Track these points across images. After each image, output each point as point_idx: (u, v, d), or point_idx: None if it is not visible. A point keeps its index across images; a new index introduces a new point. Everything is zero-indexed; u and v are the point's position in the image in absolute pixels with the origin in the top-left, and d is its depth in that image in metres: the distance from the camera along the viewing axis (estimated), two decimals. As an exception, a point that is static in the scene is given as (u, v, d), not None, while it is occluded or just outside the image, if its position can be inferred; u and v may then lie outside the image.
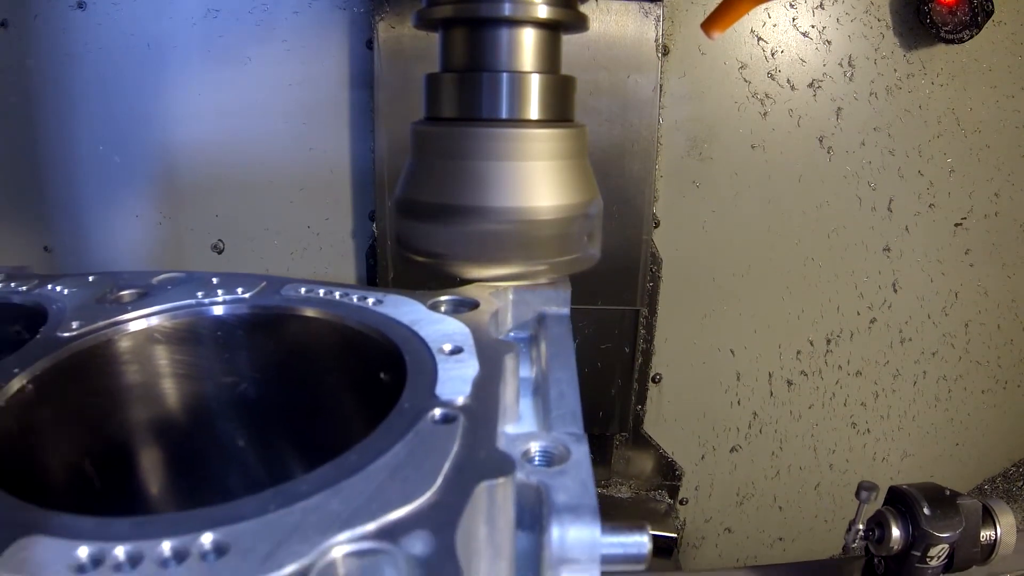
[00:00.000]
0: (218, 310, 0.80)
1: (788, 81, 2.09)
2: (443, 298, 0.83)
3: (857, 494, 1.44)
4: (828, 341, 2.30)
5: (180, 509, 0.46)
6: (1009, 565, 1.58)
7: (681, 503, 2.42)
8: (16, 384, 0.62)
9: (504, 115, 0.99)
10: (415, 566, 0.41)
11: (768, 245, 2.21)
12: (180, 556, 0.41)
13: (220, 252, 2.13)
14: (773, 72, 2.08)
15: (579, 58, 1.96)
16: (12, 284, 0.84)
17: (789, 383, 2.33)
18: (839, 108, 2.12)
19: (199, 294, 0.81)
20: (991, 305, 2.32)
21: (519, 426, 0.65)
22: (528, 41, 0.99)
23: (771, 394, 2.34)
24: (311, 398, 0.82)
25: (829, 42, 2.08)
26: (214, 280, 0.84)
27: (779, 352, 2.31)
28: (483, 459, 0.51)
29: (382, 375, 0.63)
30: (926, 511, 1.35)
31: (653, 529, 2.13)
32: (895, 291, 2.27)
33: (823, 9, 2.06)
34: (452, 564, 0.41)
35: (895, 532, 1.37)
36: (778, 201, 2.17)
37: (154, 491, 0.80)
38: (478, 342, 0.69)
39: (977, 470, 2.46)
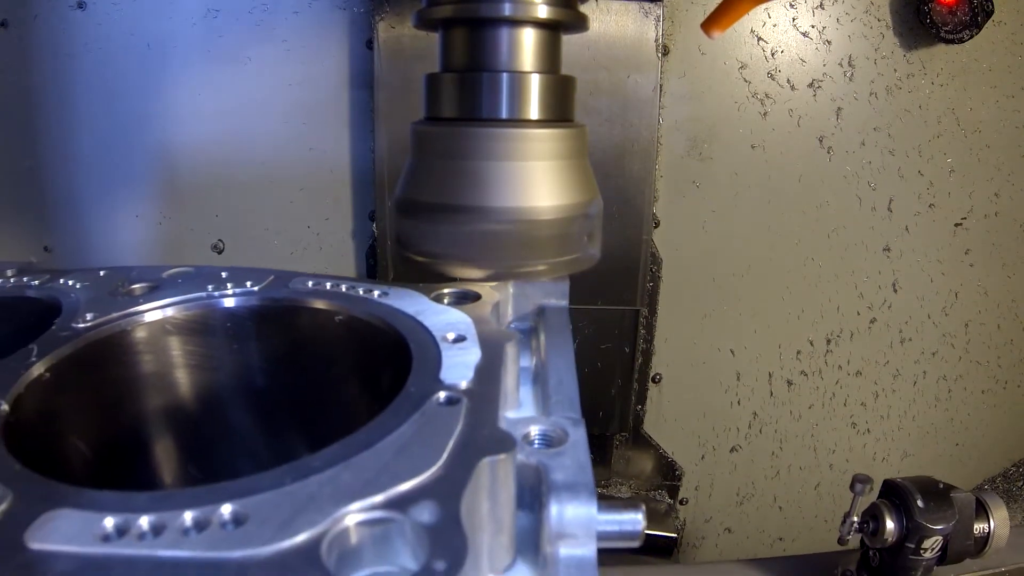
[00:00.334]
0: (229, 302, 0.82)
1: (788, 81, 2.09)
2: (446, 290, 0.84)
3: (852, 487, 1.46)
4: (828, 341, 2.30)
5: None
6: (1003, 559, 1.58)
7: (681, 503, 2.42)
8: (35, 372, 0.64)
9: (504, 115, 0.98)
10: (422, 534, 0.43)
11: (768, 245, 2.20)
12: (200, 526, 0.43)
13: (220, 252, 2.13)
14: (773, 72, 2.08)
15: (579, 58, 1.96)
16: (24, 279, 0.86)
17: (789, 383, 2.32)
18: (839, 108, 2.12)
19: (209, 287, 0.83)
20: (991, 305, 2.32)
21: (519, 412, 0.67)
22: (528, 41, 0.99)
23: (771, 394, 2.34)
24: (319, 386, 0.84)
25: (829, 42, 2.08)
26: (223, 274, 0.87)
27: (779, 352, 2.31)
28: (485, 437, 0.53)
29: (403, 362, 0.63)
30: (920, 504, 1.36)
31: (653, 529, 2.13)
32: (895, 291, 2.26)
33: (823, 9, 2.06)
34: (457, 532, 0.43)
35: (889, 524, 1.38)
36: (778, 201, 2.17)
37: (166, 477, 0.83)
38: (480, 331, 0.71)
39: (977, 470, 2.46)
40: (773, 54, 2.06)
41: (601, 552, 0.51)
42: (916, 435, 2.41)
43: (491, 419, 0.55)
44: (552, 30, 1.02)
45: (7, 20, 2.09)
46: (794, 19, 2.05)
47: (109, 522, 0.43)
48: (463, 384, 0.60)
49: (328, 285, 0.84)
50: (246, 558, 0.40)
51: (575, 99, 1.07)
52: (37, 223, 2.20)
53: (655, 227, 2.14)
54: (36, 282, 0.84)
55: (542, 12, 0.96)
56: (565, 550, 0.51)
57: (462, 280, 0.94)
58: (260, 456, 0.77)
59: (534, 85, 0.99)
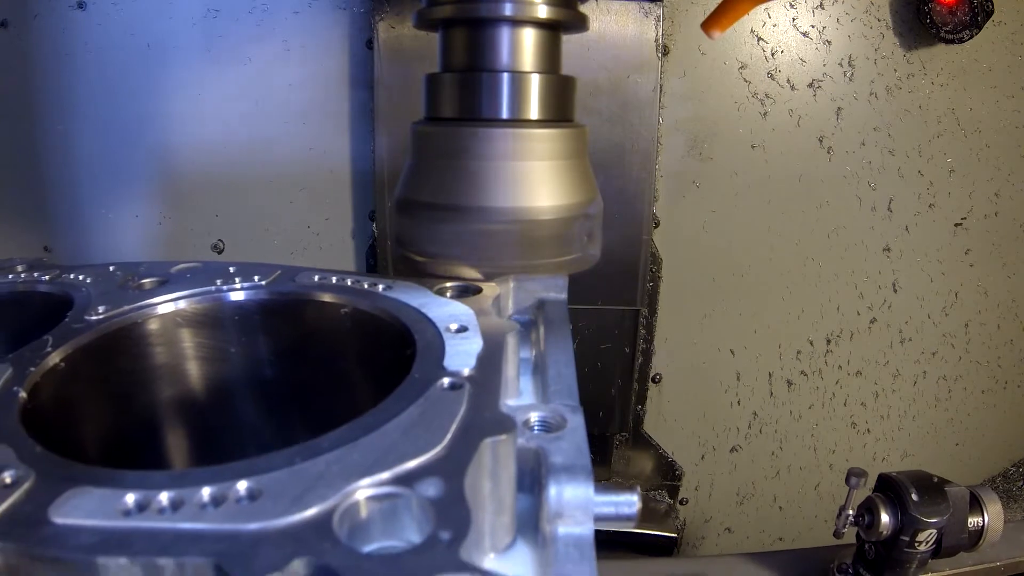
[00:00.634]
0: (237, 296, 0.85)
1: (788, 81, 2.10)
2: (448, 284, 0.87)
3: (847, 480, 1.49)
4: (828, 341, 2.32)
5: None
6: (999, 554, 1.60)
7: (681, 503, 2.44)
8: (50, 362, 0.67)
9: (504, 115, 0.99)
10: (428, 508, 0.46)
11: (768, 245, 2.22)
12: (217, 501, 0.46)
13: (220, 252, 2.15)
14: (773, 72, 2.10)
15: (579, 58, 1.97)
16: (35, 274, 0.89)
17: (789, 383, 2.35)
18: (839, 108, 2.13)
19: (218, 281, 0.86)
20: (991, 305, 2.34)
21: (520, 400, 0.70)
22: (528, 41, 0.99)
23: (771, 394, 2.36)
24: (325, 376, 0.87)
25: (829, 42, 2.09)
26: (231, 269, 0.89)
27: (779, 352, 2.33)
28: (487, 420, 0.56)
29: (407, 352, 0.66)
30: (914, 497, 1.39)
31: (653, 529, 2.15)
32: (895, 291, 2.29)
33: (823, 9, 2.07)
34: (461, 506, 0.45)
35: (884, 518, 1.41)
36: (778, 201, 2.19)
37: (176, 464, 0.86)
38: (482, 322, 0.74)
39: (977, 470, 2.48)
40: (773, 54, 2.08)
41: (601, 546, 0.54)
42: (916, 435, 2.43)
43: (492, 403, 0.58)
44: (552, 30, 1.02)
45: (7, 20, 2.10)
46: (794, 19, 2.07)
47: (130, 498, 0.46)
48: (466, 371, 0.63)
49: (334, 279, 0.87)
50: (261, 530, 0.43)
51: (575, 99, 1.08)
52: (37, 223, 2.22)
53: (655, 227, 2.16)
54: (47, 277, 0.86)
55: (542, 12, 0.97)
56: (564, 529, 0.53)
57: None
58: (268, 445, 0.79)
59: (534, 85, 1.00)
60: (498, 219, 0.95)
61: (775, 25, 2.07)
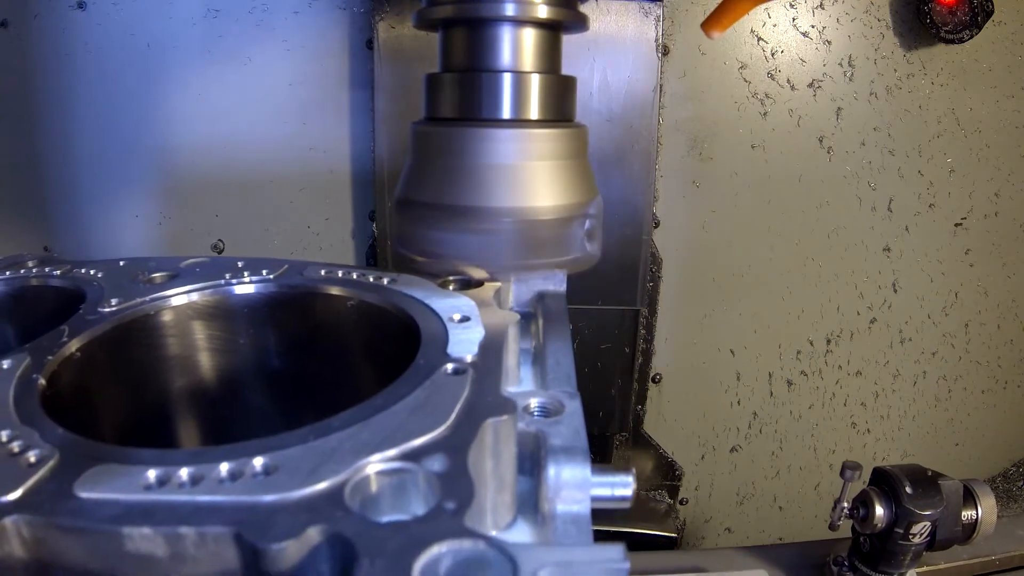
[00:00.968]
0: (247, 289, 0.88)
1: (788, 81, 2.13)
2: (451, 277, 0.91)
3: (842, 473, 1.52)
4: (828, 341, 2.35)
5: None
6: (994, 548, 1.63)
7: (681, 503, 2.46)
8: (67, 351, 0.70)
9: (504, 115, 1.00)
10: (434, 481, 0.49)
11: (768, 245, 2.25)
12: (235, 476, 0.49)
13: (220, 252, 2.17)
14: (773, 72, 2.12)
15: (579, 58, 1.99)
16: (46, 269, 0.92)
17: (789, 383, 2.37)
18: (839, 108, 2.16)
19: (227, 275, 0.89)
20: (991, 305, 2.37)
21: (520, 387, 0.73)
22: (528, 41, 1.00)
23: (771, 394, 2.38)
24: (333, 367, 0.90)
25: (829, 42, 2.12)
26: (239, 264, 0.93)
27: (779, 352, 2.35)
28: (489, 403, 0.59)
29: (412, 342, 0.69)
30: (908, 490, 1.42)
31: (653, 529, 2.17)
32: (895, 291, 2.31)
33: (823, 9, 2.10)
34: (465, 479, 0.49)
35: (879, 510, 1.44)
36: (778, 201, 2.21)
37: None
38: (484, 313, 0.78)
39: (977, 470, 2.50)
40: (773, 54, 2.10)
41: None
42: (916, 435, 2.46)
43: (494, 387, 0.61)
44: (552, 30, 1.03)
45: (7, 20, 2.12)
46: (794, 19, 2.09)
47: (151, 474, 0.49)
48: (468, 358, 0.66)
49: (340, 273, 0.90)
50: (277, 501, 0.46)
51: (575, 99, 1.09)
52: (37, 223, 2.24)
53: (655, 227, 2.18)
54: (58, 272, 0.89)
55: (542, 12, 0.97)
56: (562, 507, 0.56)
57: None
58: (277, 432, 0.83)
59: (534, 85, 1.00)
60: (498, 219, 0.95)
61: (775, 25, 2.09)
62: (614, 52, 2.01)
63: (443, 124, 1.03)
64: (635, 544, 2.16)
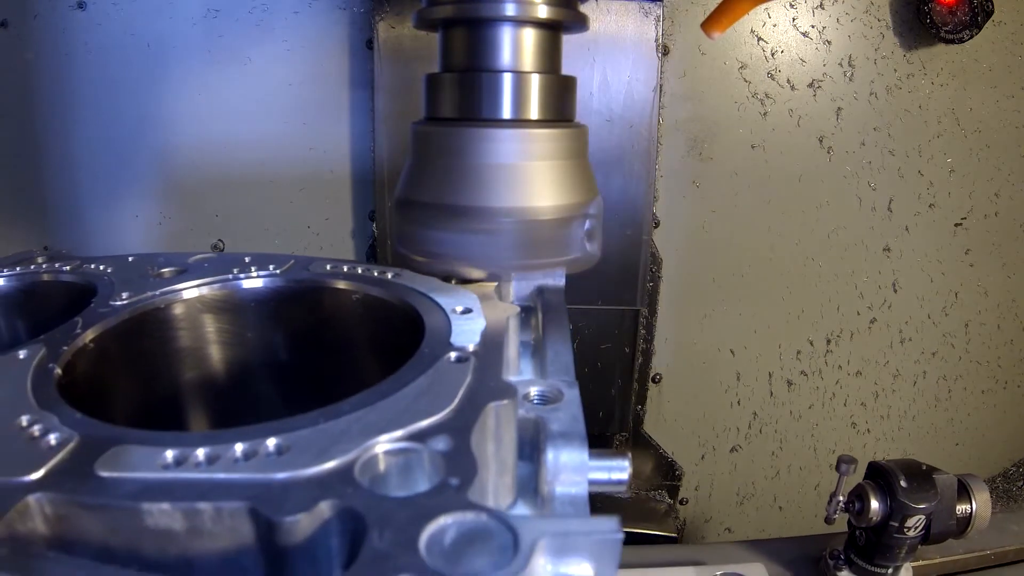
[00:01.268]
0: (255, 283, 0.91)
1: (788, 81, 2.15)
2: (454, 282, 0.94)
3: (837, 467, 1.56)
4: (828, 341, 2.37)
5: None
6: (989, 542, 1.66)
7: (681, 503, 2.49)
8: (81, 341, 0.73)
9: (504, 115, 1.00)
10: (439, 460, 0.52)
11: (768, 245, 2.27)
12: (248, 455, 0.52)
13: (220, 252, 2.17)
14: (773, 72, 2.14)
15: (579, 58, 2.02)
16: (56, 264, 0.94)
17: (789, 383, 2.40)
18: (839, 108, 2.18)
19: (235, 270, 0.92)
20: (991, 305, 2.39)
21: (520, 378, 0.75)
22: (528, 41, 1.01)
23: (771, 394, 2.41)
24: (339, 358, 0.93)
25: (829, 42, 2.14)
26: (246, 259, 0.96)
27: (779, 352, 2.38)
28: (491, 388, 0.62)
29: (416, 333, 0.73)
30: (903, 484, 1.45)
31: (653, 529, 2.19)
32: (895, 291, 2.34)
33: (823, 9, 2.12)
34: (468, 458, 0.52)
35: (874, 504, 1.47)
36: (778, 201, 2.24)
37: None
38: (485, 305, 0.81)
39: (977, 470, 2.48)
40: (773, 54, 2.13)
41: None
42: (916, 435, 2.48)
43: (496, 374, 0.64)
44: (552, 30, 1.03)
45: (7, 20, 2.13)
46: (794, 19, 2.11)
47: (169, 454, 0.52)
48: (471, 347, 0.70)
49: (345, 268, 0.93)
50: (290, 478, 0.49)
51: (575, 99, 1.09)
52: (37, 223, 2.25)
53: (655, 227, 2.20)
54: (67, 267, 0.92)
55: (542, 12, 0.97)
56: (561, 489, 0.60)
57: (462, 281, 0.97)
58: (287, 420, 0.86)
59: (534, 85, 1.00)
60: (498, 219, 0.95)
61: (775, 25, 2.11)
62: (614, 52, 2.03)
63: (443, 124, 1.03)
64: (635, 544, 2.18)
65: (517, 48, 1.00)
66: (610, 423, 2.30)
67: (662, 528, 2.26)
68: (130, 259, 0.94)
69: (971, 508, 1.50)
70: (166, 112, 2.14)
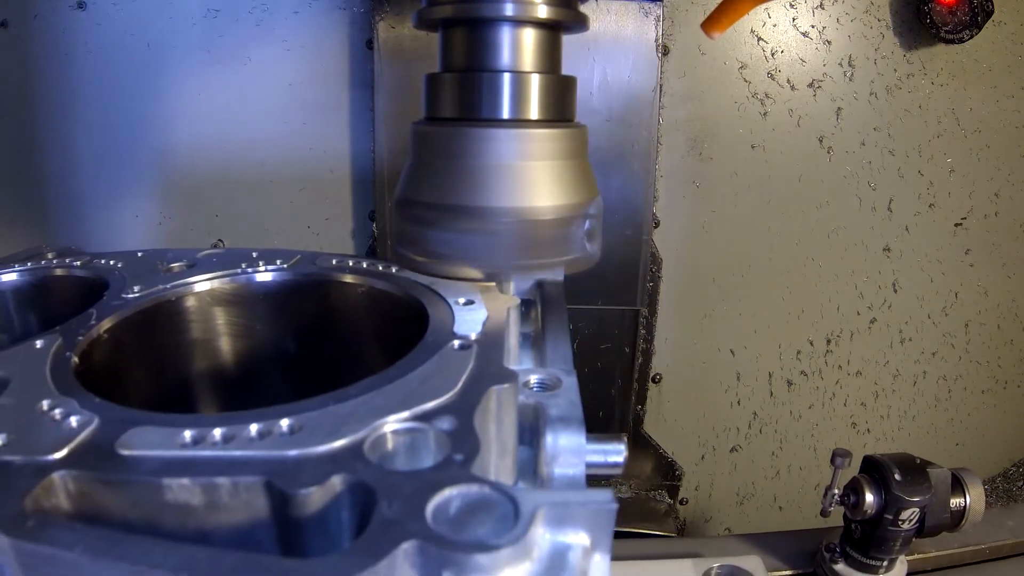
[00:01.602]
0: (264, 277, 0.95)
1: (788, 81, 2.18)
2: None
3: (832, 460, 1.59)
4: (828, 341, 2.40)
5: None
6: (984, 536, 1.69)
7: (681, 503, 2.51)
8: (95, 332, 0.76)
9: (504, 115, 1.02)
10: (443, 438, 0.55)
11: (768, 245, 2.30)
12: (263, 435, 0.55)
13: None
14: (773, 72, 2.17)
15: (579, 58, 2.04)
16: (67, 260, 0.97)
17: (789, 383, 2.42)
18: (839, 108, 2.21)
19: (243, 265, 0.96)
20: (991, 305, 2.42)
21: (520, 367, 0.77)
22: (528, 41, 1.02)
23: (771, 394, 2.43)
24: (345, 349, 0.97)
25: (829, 42, 2.17)
26: (254, 254, 0.99)
27: (779, 352, 2.40)
28: (493, 373, 0.66)
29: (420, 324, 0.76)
30: (897, 477, 1.48)
31: (653, 529, 2.21)
32: (895, 291, 2.37)
33: (823, 9, 2.15)
34: (471, 436, 0.55)
35: (869, 497, 1.50)
36: (778, 201, 2.26)
37: None
38: (486, 297, 0.85)
39: (977, 470, 2.48)
40: (773, 54, 2.15)
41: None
42: (916, 435, 2.51)
43: (497, 361, 0.68)
44: (552, 30, 1.04)
45: (7, 20, 2.15)
46: (794, 19, 2.14)
47: (187, 434, 0.55)
48: (473, 336, 0.73)
49: (350, 263, 0.97)
50: (303, 455, 0.52)
51: (575, 99, 1.11)
52: (37, 223, 2.28)
53: (655, 227, 2.23)
54: (78, 263, 0.95)
55: (542, 12, 0.99)
56: (559, 470, 0.63)
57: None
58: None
59: (534, 85, 1.02)
60: (498, 219, 0.97)
61: (775, 25, 2.14)
62: (614, 52, 2.06)
63: (443, 124, 1.05)
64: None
65: (517, 48, 1.01)
66: (610, 423, 2.33)
67: (662, 528, 2.29)
68: (139, 255, 0.98)
69: (965, 502, 1.53)
70: (166, 112, 2.16)
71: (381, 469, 0.51)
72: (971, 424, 2.53)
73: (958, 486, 1.55)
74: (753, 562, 1.57)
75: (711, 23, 1.19)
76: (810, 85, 2.18)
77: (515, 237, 0.97)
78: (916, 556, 1.66)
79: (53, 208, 2.27)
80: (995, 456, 2.59)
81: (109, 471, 0.52)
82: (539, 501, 0.46)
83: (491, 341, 0.72)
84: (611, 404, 2.32)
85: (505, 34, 1.01)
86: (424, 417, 0.57)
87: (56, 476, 0.51)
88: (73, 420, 0.57)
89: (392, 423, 0.56)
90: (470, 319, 0.77)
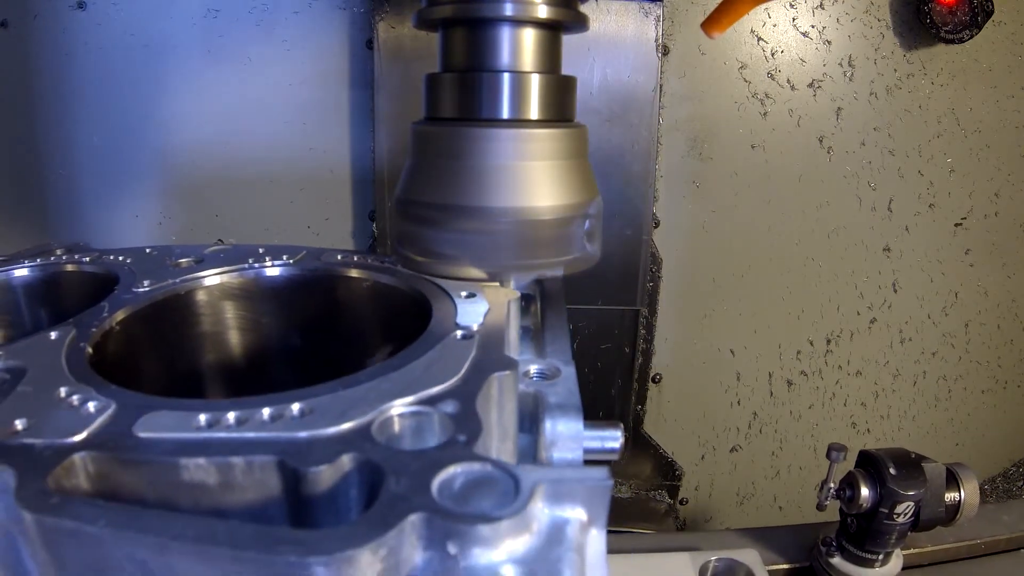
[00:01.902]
0: (272, 272, 0.98)
1: (788, 81, 2.21)
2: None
3: (828, 454, 1.62)
4: (828, 341, 2.43)
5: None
6: (980, 532, 1.72)
7: (681, 503, 2.54)
8: (108, 324, 0.79)
9: (504, 115, 1.02)
10: (447, 421, 0.58)
11: (768, 245, 2.33)
12: (275, 418, 0.58)
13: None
14: (773, 72, 2.20)
15: (579, 58, 2.07)
16: (76, 256, 0.99)
17: (789, 383, 2.45)
18: (839, 108, 2.24)
19: (250, 260, 0.99)
20: (991, 305, 2.45)
21: (520, 359, 0.81)
22: (528, 41, 1.02)
23: (771, 394, 2.46)
24: (350, 342, 1.00)
25: (829, 42, 2.19)
26: (260, 250, 1.03)
27: (779, 352, 2.43)
28: (494, 361, 0.68)
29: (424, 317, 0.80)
30: (892, 471, 1.52)
31: (653, 529, 2.24)
32: (895, 291, 2.40)
33: (823, 9, 2.17)
34: (474, 418, 0.58)
35: (864, 491, 1.54)
36: (778, 201, 2.29)
37: None
38: (487, 291, 0.89)
39: (977, 470, 2.52)
40: (773, 54, 2.18)
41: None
42: (916, 435, 2.54)
43: (498, 350, 0.71)
44: (552, 30, 1.05)
45: (7, 20, 2.17)
46: (794, 19, 2.17)
47: (202, 417, 0.58)
48: (475, 326, 0.76)
49: (355, 258, 1.00)
50: (313, 436, 0.56)
51: (575, 99, 1.11)
52: (37, 223, 2.30)
53: (655, 227, 2.26)
54: (87, 259, 0.99)
55: (542, 12, 0.99)
56: (558, 454, 0.67)
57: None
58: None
59: (534, 85, 1.02)
60: (498, 219, 0.97)
61: (775, 25, 2.17)
62: (614, 52, 2.09)
63: (443, 124, 1.05)
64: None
65: (517, 48, 1.02)
66: (610, 423, 2.34)
67: (662, 528, 2.32)
68: (147, 250, 1.01)
69: (960, 496, 1.56)
70: (166, 112, 2.19)
71: (388, 449, 0.54)
72: (971, 424, 2.56)
73: (953, 481, 1.58)
74: (750, 555, 1.60)
75: (711, 23, 1.20)
76: (810, 85, 2.21)
77: (515, 237, 0.98)
78: (912, 551, 1.69)
79: (53, 208, 2.29)
80: (995, 456, 2.62)
81: (128, 452, 0.55)
82: (538, 478, 0.50)
83: (492, 332, 0.75)
84: (611, 404, 2.35)
85: (505, 34, 1.01)
86: (429, 401, 0.61)
87: (77, 457, 0.54)
88: (91, 406, 0.60)
89: (398, 406, 0.59)
90: (472, 311, 0.81)
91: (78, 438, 0.56)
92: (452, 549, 0.47)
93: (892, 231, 2.34)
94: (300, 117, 2.19)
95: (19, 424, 0.57)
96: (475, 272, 0.97)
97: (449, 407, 0.59)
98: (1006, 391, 2.55)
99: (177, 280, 0.90)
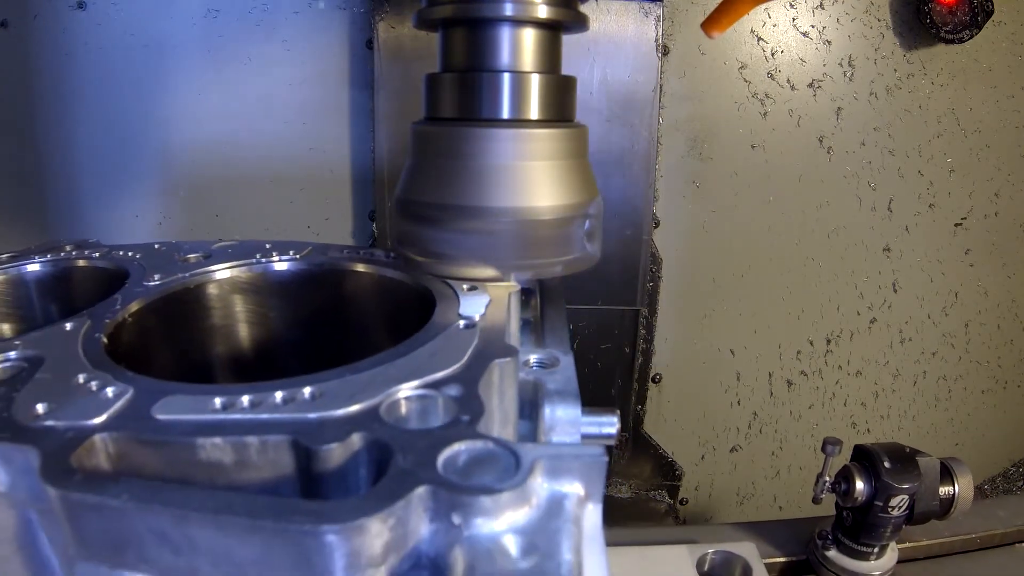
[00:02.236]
0: (279, 266, 1.02)
1: (788, 81, 2.24)
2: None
3: (823, 448, 1.66)
4: (828, 341, 2.46)
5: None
6: (975, 526, 1.76)
7: (681, 503, 2.57)
8: (121, 316, 0.83)
9: (504, 115, 1.03)
10: (451, 403, 0.62)
11: (768, 245, 2.36)
12: (287, 401, 0.62)
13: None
14: (773, 72, 2.23)
15: (579, 58, 2.10)
16: (85, 252, 1.03)
17: (789, 383, 2.49)
18: (839, 108, 2.27)
19: (257, 255, 1.03)
20: (991, 305, 2.48)
21: (520, 349, 0.84)
22: (528, 41, 1.03)
23: (771, 394, 2.50)
24: (356, 335, 1.04)
25: (829, 42, 2.23)
26: (267, 246, 1.06)
27: (779, 352, 2.47)
28: (495, 348, 0.72)
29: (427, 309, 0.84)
30: (887, 465, 1.56)
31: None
32: (895, 291, 2.43)
33: (823, 9, 2.21)
34: (477, 400, 0.62)
35: (859, 485, 1.58)
36: (778, 201, 2.33)
37: None
38: (489, 285, 0.92)
39: (977, 470, 2.56)
40: (773, 54, 2.21)
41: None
42: (916, 435, 2.57)
43: (499, 338, 0.75)
44: (552, 30, 1.05)
45: (7, 20, 2.20)
46: (794, 19, 2.20)
47: (217, 400, 0.62)
48: (477, 317, 0.80)
49: (360, 253, 1.04)
50: (324, 417, 0.59)
51: (575, 99, 1.12)
52: (37, 223, 2.33)
53: (655, 227, 2.29)
54: (97, 254, 1.02)
55: (542, 12, 1.00)
56: (557, 439, 0.71)
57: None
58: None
59: (534, 85, 1.03)
60: (498, 219, 0.98)
61: (775, 25, 2.20)
62: (614, 52, 2.12)
63: (443, 124, 1.06)
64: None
65: (517, 48, 1.03)
66: (610, 423, 2.36)
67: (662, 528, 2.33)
68: (156, 246, 1.05)
69: (954, 490, 1.60)
70: (166, 112, 2.22)
71: (396, 428, 0.58)
72: (971, 424, 2.59)
73: (947, 475, 1.62)
74: (747, 548, 1.64)
75: (711, 23, 1.21)
76: (810, 85, 2.24)
77: (515, 237, 0.98)
78: (907, 545, 1.73)
79: (53, 208, 2.32)
80: (995, 456, 2.65)
81: (147, 433, 0.58)
82: (537, 454, 0.54)
83: (494, 321, 0.79)
84: (611, 404, 2.34)
85: (505, 34, 1.02)
86: (433, 385, 0.64)
87: (97, 438, 0.58)
88: (109, 391, 0.64)
89: (405, 390, 0.63)
90: (474, 302, 0.85)
91: (98, 420, 0.59)
92: (456, 520, 0.51)
93: (892, 231, 2.37)
94: (300, 117, 2.21)
95: (40, 408, 0.60)
96: (475, 272, 0.98)
97: (453, 391, 0.63)
98: (1006, 391, 2.58)
99: (187, 274, 0.93)
